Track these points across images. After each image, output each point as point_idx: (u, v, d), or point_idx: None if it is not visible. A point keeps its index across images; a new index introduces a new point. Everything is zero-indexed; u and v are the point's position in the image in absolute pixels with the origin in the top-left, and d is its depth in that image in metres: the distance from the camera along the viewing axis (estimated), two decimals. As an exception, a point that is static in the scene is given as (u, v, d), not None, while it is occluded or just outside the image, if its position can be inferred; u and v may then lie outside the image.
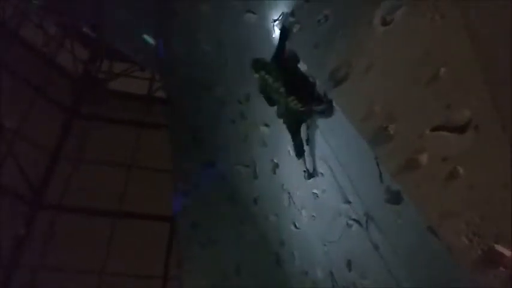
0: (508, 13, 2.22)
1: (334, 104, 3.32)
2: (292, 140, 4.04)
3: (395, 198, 2.82)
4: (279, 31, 3.91)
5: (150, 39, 7.41)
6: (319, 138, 3.89)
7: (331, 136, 3.66)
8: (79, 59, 11.43)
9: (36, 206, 9.73)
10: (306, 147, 4.03)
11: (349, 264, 3.77)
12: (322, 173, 3.98)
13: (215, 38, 5.43)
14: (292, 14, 3.82)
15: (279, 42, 3.72)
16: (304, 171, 4.12)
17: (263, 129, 4.98)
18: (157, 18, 6.57)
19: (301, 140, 4.01)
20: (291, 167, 4.55)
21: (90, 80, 11.48)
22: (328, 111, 3.43)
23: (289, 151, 4.45)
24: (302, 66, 3.70)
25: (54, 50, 11.09)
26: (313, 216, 4.38)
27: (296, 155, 4.11)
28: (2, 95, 8.93)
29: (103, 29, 8.57)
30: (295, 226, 4.78)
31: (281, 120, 4.04)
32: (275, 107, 3.98)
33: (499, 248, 2.06)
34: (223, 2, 4.96)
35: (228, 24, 4.95)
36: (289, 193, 4.77)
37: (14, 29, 10.06)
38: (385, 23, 2.85)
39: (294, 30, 3.74)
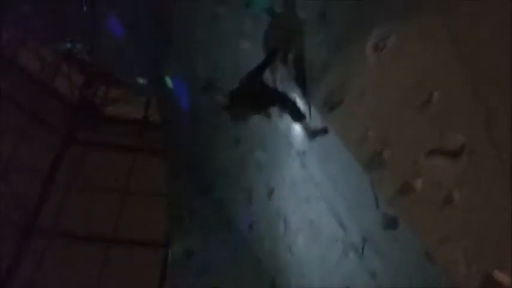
0: (497, 37, 2.26)
1: (329, 128, 3.33)
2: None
3: (391, 223, 2.79)
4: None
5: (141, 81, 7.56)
6: (315, 163, 3.87)
7: (327, 161, 3.65)
8: (76, 85, 11.47)
9: (28, 232, 9.56)
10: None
11: (346, 291, 3.69)
12: (318, 198, 3.94)
13: (211, 64, 5.48)
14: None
15: (260, 66, 3.64)
16: None
17: (258, 154, 4.96)
18: (154, 46, 6.64)
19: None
20: (286, 192, 4.52)
21: (86, 105, 11.49)
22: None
23: (284, 177, 4.42)
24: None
25: (51, 76, 11.13)
26: (309, 242, 4.31)
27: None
28: (-3, 120, 8.90)
29: (99, 55, 8.66)
30: (291, 252, 4.70)
31: (277, 145, 4.02)
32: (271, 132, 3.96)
33: (498, 275, 2.02)
34: (218, 29, 5.03)
35: (223, 49, 5.01)
36: (285, 218, 4.71)
37: (10, 55, 10.13)
38: (377, 49, 2.90)
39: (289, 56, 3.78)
